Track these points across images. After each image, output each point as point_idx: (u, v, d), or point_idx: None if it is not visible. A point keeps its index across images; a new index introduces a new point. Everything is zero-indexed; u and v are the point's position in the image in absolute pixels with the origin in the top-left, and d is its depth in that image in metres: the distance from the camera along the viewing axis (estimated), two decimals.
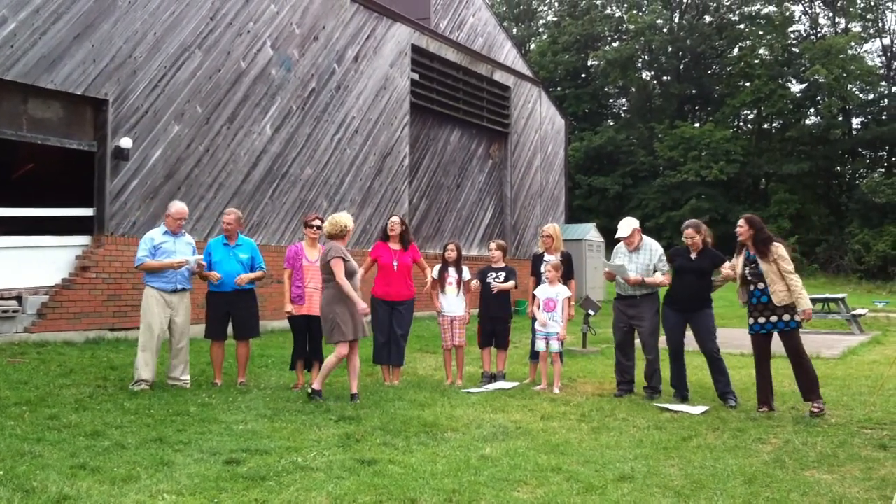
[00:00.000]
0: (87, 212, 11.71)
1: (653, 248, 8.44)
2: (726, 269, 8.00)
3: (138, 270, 8.34)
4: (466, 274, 9.18)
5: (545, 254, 9.28)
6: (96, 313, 11.33)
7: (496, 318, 9.15)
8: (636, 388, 8.55)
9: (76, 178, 12.35)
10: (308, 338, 8.53)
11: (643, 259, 8.39)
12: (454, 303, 9.10)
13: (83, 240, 11.58)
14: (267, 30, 14.21)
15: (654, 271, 8.33)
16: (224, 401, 7.41)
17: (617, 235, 8.53)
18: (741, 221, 7.77)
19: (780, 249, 7.54)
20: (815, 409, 7.36)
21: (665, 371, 8.38)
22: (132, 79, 11.89)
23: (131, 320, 11.68)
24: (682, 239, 8.21)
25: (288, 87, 14.66)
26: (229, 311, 8.54)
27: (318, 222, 8.56)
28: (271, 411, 6.98)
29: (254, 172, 13.96)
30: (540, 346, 8.75)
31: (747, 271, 7.69)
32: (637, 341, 8.59)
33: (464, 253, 9.55)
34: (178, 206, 8.37)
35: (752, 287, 7.68)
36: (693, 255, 8.11)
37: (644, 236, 8.56)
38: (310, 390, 7.66)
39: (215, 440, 5.83)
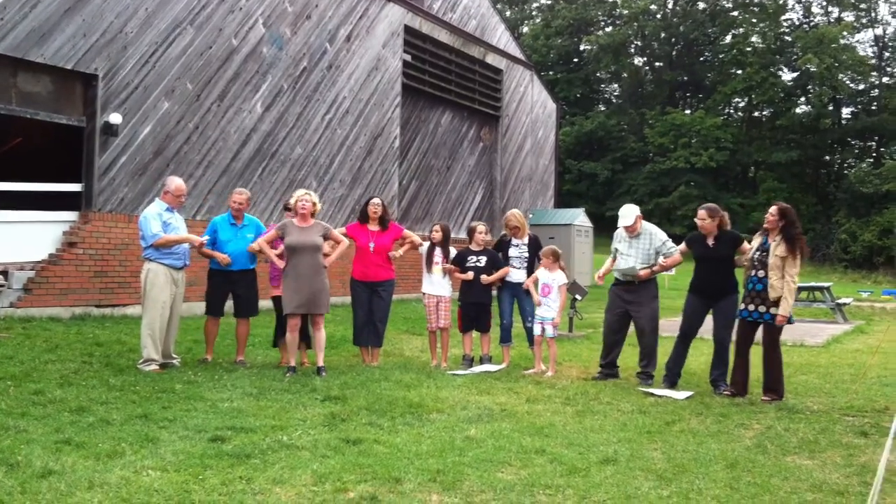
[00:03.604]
0: (76, 187, 11.64)
1: (653, 233, 8.36)
2: (746, 249, 7.80)
3: (152, 246, 7.85)
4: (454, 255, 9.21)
5: (513, 238, 9.28)
6: (83, 289, 11.29)
7: (477, 304, 9.15)
8: (622, 373, 8.60)
9: (65, 154, 12.26)
10: None
11: (643, 245, 8.34)
12: (440, 284, 9.10)
13: (71, 215, 11.51)
14: (259, 7, 14.09)
15: (657, 254, 8.29)
16: (209, 378, 7.41)
17: (620, 224, 8.43)
18: (774, 210, 7.54)
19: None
20: (767, 399, 7.41)
21: (662, 355, 8.35)
22: (123, 54, 11.78)
23: (118, 297, 11.66)
24: (696, 220, 8.03)
25: (279, 66, 14.57)
26: (231, 289, 8.59)
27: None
28: (257, 390, 6.99)
29: (243, 151, 13.90)
30: (537, 329, 8.80)
31: (756, 255, 7.60)
32: (632, 327, 8.55)
33: (453, 235, 9.55)
34: (177, 183, 8.28)
35: (752, 272, 7.61)
36: (710, 242, 7.90)
37: (644, 222, 8.47)
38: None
39: (200, 418, 5.84)
